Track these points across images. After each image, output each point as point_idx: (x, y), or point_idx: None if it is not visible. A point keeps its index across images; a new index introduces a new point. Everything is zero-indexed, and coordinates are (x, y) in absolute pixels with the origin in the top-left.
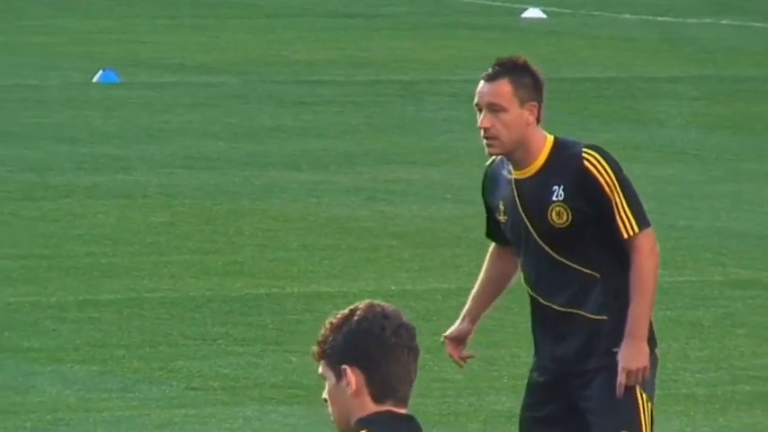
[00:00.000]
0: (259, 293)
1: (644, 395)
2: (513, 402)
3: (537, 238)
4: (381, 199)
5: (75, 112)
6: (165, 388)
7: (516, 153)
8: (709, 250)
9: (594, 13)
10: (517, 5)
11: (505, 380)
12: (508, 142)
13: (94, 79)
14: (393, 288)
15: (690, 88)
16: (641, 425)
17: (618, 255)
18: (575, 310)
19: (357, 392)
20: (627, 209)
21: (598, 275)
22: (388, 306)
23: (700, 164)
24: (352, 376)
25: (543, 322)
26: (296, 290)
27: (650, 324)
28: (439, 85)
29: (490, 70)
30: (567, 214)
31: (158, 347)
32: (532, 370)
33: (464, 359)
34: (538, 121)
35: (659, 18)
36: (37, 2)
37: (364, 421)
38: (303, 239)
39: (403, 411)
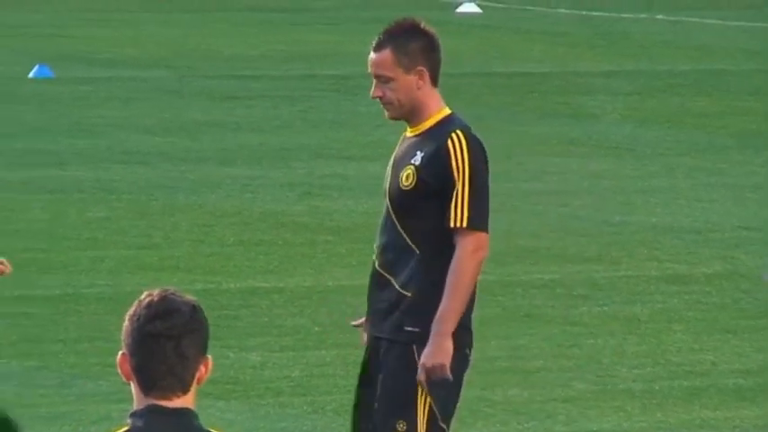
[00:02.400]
0: (195, 289)
1: (423, 389)
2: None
3: (387, 192)
4: (317, 194)
5: (10, 107)
6: (101, 383)
7: (411, 115)
8: (645, 245)
9: (529, 7)
10: (451, 0)
11: None
12: (401, 107)
13: (30, 74)
14: (330, 284)
15: (624, 83)
16: (416, 415)
17: (444, 240)
18: (387, 275)
19: (128, 379)
20: (466, 200)
21: (418, 251)
22: (165, 294)
23: (634, 159)
24: (123, 363)
25: (371, 278)
26: (232, 285)
27: (468, 325)
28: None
29: (377, 38)
30: (413, 179)
31: (95, 343)
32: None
33: None
34: (434, 83)
35: (594, 13)
36: None
37: (131, 416)
38: (239, 235)
39: (170, 405)
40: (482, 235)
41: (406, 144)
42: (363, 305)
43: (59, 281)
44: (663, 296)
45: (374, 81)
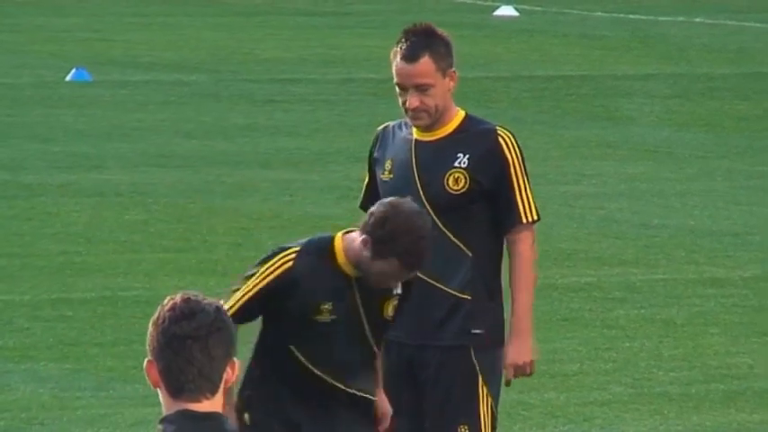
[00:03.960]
0: None
1: (485, 389)
2: None
3: (424, 199)
4: (354, 197)
5: (48, 110)
6: (138, 386)
7: (439, 120)
8: (683, 248)
9: (566, 10)
10: (489, 3)
11: None
12: (436, 113)
13: (67, 78)
14: None
15: (662, 86)
16: (480, 419)
17: (494, 240)
18: (437, 283)
19: (155, 385)
20: (529, 195)
21: (470, 254)
22: (188, 296)
23: (672, 162)
24: (150, 369)
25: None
26: None
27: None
28: None
29: (406, 48)
30: (465, 182)
31: (132, 346)
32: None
33: None
34: None
35: (631, 16)
36: (9, 0)
37: (163, 421)
38: (276, 238)
39: (200, 408)
40: (534, 227)
41: (428, 148)
42: None
43: (97, 284)
44: (700, 299)
45: (408, 91)
